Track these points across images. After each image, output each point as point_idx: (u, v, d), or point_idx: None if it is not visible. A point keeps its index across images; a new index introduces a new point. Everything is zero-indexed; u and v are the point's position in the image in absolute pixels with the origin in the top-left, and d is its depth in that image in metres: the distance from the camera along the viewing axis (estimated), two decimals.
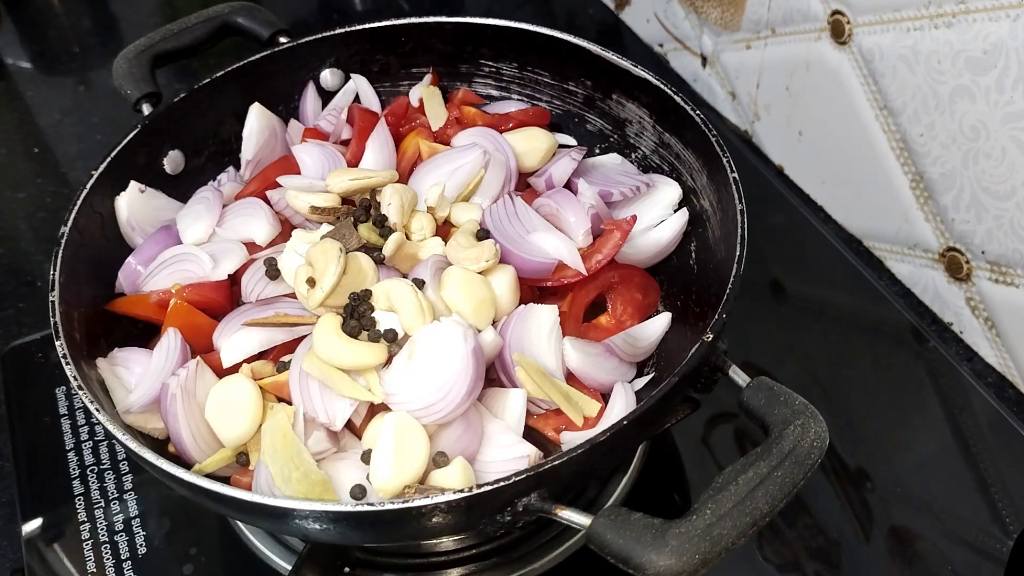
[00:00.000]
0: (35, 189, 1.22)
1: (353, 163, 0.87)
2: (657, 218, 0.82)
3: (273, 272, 0.75)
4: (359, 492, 0.64)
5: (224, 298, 0.76)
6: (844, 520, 0.82)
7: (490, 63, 0.93)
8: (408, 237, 0.77)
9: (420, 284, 0.71)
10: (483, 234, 0.77)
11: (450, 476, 0.63)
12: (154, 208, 0.83)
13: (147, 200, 0.83)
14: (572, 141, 0.91)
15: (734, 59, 1.16)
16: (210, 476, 0.61)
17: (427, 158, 0.85)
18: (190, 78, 1.29)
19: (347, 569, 0.78)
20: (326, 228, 0.77)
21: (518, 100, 0.93)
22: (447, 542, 0.79)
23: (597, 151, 0.91)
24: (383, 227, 0.76)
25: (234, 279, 0.77)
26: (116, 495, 0.85)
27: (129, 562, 0.81)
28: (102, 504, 0.85)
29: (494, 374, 0.72)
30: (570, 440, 0.70)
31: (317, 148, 0.87)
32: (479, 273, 0.72)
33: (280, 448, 0.65)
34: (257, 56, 0.89)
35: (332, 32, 0.91)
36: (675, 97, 0.80)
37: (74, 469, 0.87)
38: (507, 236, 0.76)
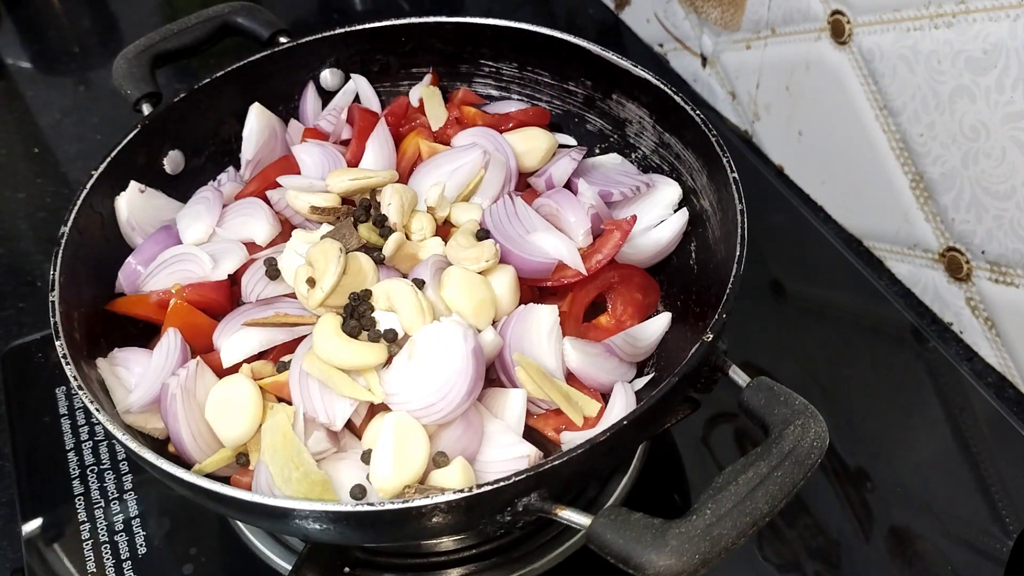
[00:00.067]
0: (35, 189, 1.22)
1: (353, 163, 0.87)
2: (657, 218, 0.82)
3: (273, 272, 0.75)
4: (359, 492, 0.64)
5: (224, 298, 0.76)
6: (844, 520, 0.82)
7: (490, 63, 0.93)
8: (408, 237, 0.77)
9: (420, 284, 0.71)
10: (483, 234, 0.77)
11: (450, 476, 0.63)
12: (154, 208, 0.83)
13: (147, 200, 0.83)
14: (572, 141, 0.91)
15: (734, 59, 1.16)
16: (210, 476, 0.61)
17: (427, 158, 0.85)
18: (190, 78, 1.29)
19: (347, 569, 0.78)
20: (326, 228, 0.77)
21: (518, 100, 0.93)
22: (447, 542, 0.79)
23: (597, 151, 0.91)
24: (383, 227, 0.76)
25: (234, 279, 0.77)
26: (116, 495, 0.85)
27: (129, 562, 0.81)
28: (102, 504, 0.85)
29: (494, 374, 0.72)
30: (570, 440, 0.70)
31: (317, 148, 0.87)
32: (479, 273, 0.72)
33: (280, 448, 0.65)
34: (257, 56, 0.89)
35: (332, 32, 0.91)
36: (675, 97, 0.80)
37: (74, 469, 0.87)
38: (507, 236, 0.76)
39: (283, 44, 0.91)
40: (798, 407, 0.58)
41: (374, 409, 0.68)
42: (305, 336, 0.71)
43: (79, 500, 0.85)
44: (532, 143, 0.86)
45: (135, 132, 0.82)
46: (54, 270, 0.71)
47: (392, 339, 0.68)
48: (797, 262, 1.04)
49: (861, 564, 0.79)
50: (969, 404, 0.88)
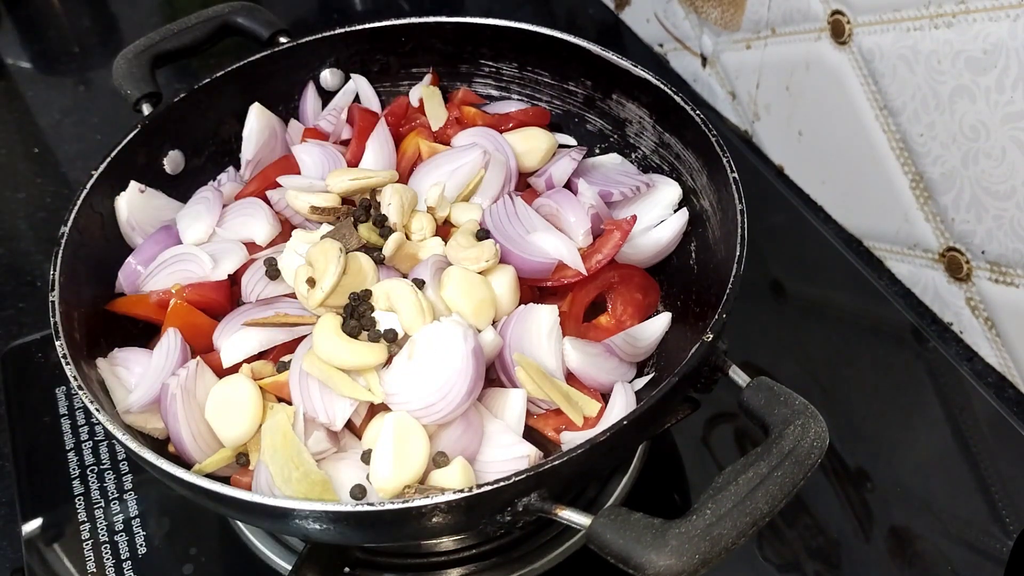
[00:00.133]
0: (35, 189, 1.22)
1: (353, 163, 0.87)
2: (657, 218, 0.82)
3: (273, 272, 0.75)
4: (359, 492, 0.64)
5: (224, 298, 0.76)
6: (844, 520, 0.82)
7: (490, 63, 0.93)
8: (408, 237, 0.77)
9: (420, 284, 0.71)
10: (483, 234, 0.77)
11: (450, 476, 0.63)
12: (154, 208, 0.83)
13: (147, 200, 0.83)
14: (572, 141, 0.91)
15: (734, 59, 1.16)
16: (210, 476, 0.61)
17: (427, 158, 0.85)
18: (190, 78, 1.29)
19: (347, 569, 0.78)
20: (326, 228, 0.77)
21: (518, 100, 0.93)
22: (447, 542, 0.79)
23: (597, 151, 0.91)
24: (383, 227, 0.76)
25: (234, 279, 0.77)
26: (116, 495, 0.85)
27: (129, 562, 0.81)
28: (102, 504, 0.85)
29: (494, 374, 0.72)
30: (570, 440, 0.70)
31: (317, 148, 0.87)
32: (479, 273, 0.72)
33: (280, 448, 0.65)
34: (257, 56, 0.89)
35: (332, 32, 0.91)
36: (675, 97, 0.80)
37: (74, 469, 0.87)
38: (507, 236, 0.76)
39: (283, 44, 0.91)
40: (798, 407, 0.58)
41: (374, 409, 0.68)
42: (305, 336, 0.71)
43: (79, 500, 0.85)
44: (532, 143, 0.86)
45: (135, 132, 0.82)
46: (54, 270, 0.71)
47: (392, 339, 0.68)
48: (797, 262, 1.04)
49: (861, 564, 0.79)
50: (969, 404, 0.88)
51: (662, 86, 0.81)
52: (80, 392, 0.64)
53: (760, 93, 1.14)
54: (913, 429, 0.87)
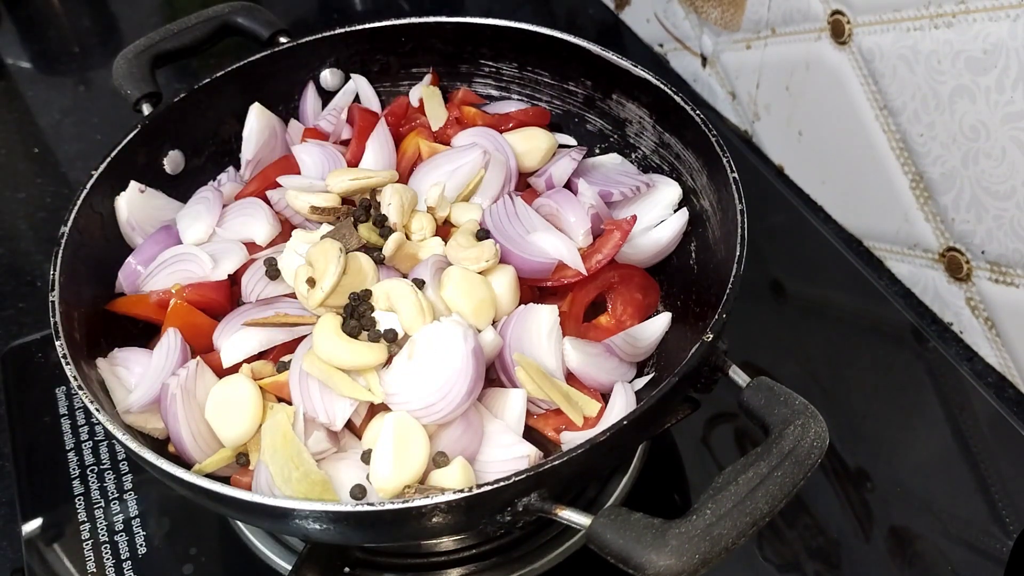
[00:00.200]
0: (35, 189, 1.22)
1: (353, 163, 0.87)
2: (657, 218, 0.82)
3: (273, 272, 0.75)
4: (359, 492, 0.64)
5: (224, 298, 0.76)
6: (844, 520, 0.82)
7: (490, 63, 0.93)
8: (408, 237, 0.77)
9: (420, 284, 0.71)
10: (483, 234, 0.77)
11: (450, 476, 0.63)
12: (154, 208, 0.83)
13: (147, 200, 0.83)
14: (572, 141, 0.91)
15: (734, 59, 1.16)
16: (210, 476, 0.61)
17: (427, 158, 0.85)
18: (190, 78, 1.29)
19: (347, 569, 0.78)
20: (326, 228, 0.77)
21: (518, 100, 0.93)
22: (447, 542, 0.79)
23: (597, 151, 0.91)
24: (383, 227, 0.76)
25: (234, 279, 0.77)
26: (116, 495, 0.85)
27: (129, 562, 0.81)
28: (102, 504, 0.85)
29: (494, 374, 0.72)
30: (570, 440, 0.70)
31: (317, 148, 0.87)
32: (479, 273, 0.72)
33: (280, 448, 0.65)
34: (257, 56, 0.89)
35: (332, 32, 0.91)
36: (675, 97, 0.80)
37: (74, 469, 0.87)
38: (507, 236, 0.76)
39: (283, 44, 0.91)
40: (798, 407, 0.58)
41: (374, 409, 0.68)
42: (305, 336, 0.71)
43: (79, 500, 0.85)
44: (532, 143, 0.86)
45: (135, 132, 0.82)
46: (54, 270, 0.71)
47: (392, 339, 0.68)
48: (797, 262, 1.04)
49: (861, 564, 0.79)
50: (969, 404, 0.88)
51: (662, 86, 0.81)
52: (80, 392, 0.64)
53: (760, 93, 1.14)
54: (913, 429, 0.87)
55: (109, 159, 0.79)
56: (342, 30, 0.91)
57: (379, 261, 0.74)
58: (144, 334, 0.78)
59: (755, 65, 1.12)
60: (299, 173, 0.86)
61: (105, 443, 0.89)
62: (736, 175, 0.73)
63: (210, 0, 0.97)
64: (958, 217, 0.91)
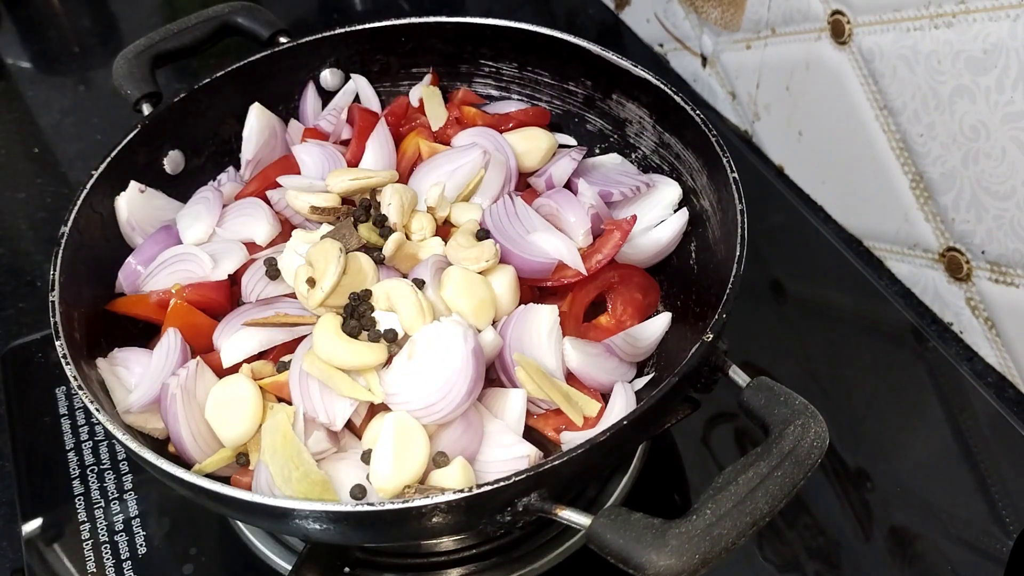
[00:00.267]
0: (35, 189, 1.22)
1: (353, 163, 0.87)
2: (657, 218, 0.82)
3: (273, 272, 0.75)
4: (359, 492, 0.64)
5: (224, 298, 0.76)
6: (844, 520, 0.82)
7: (490, 63, 0.93)
8: (408, 237, 0.77)
9: (420, 284, 0.71)
10: (483, 234, 0.77)
11: (450, 476, 0.63)
12: (154, 208, 0.83)
13: (147, 200, 0.83)
14: (572, 141, 0.91)
15: (734, 59, 1.16)
16: (210, 476, 0.61)
17: (427, 158, 0.85)
18: (190, 78, 1.29)
19: (347, 569, 0.78)
20: (326, 228, 0.77)
21: (518, 100, 0.93)
22: (447, 542, 0.79)
23: (597, 151, 0.91)
24: (383, 227, 0.76)
25: (234, 279, 0.77)
26: (116, 495, 0.85)
27: (129, 562, 0.81)
28: (102, 504, 0.85)
29: (494, 374, 0.72)
30: (570, 440, 0.70)
31: (317, 148, 0.87)
32: (479, 273, 0.72)
33: (280, 448, 0.65)
34: (257, 56, 0.89)
35: (332, 32, 0.91)
36: (675, 97, 0.80)
37: (74, 469, 0.87)
38: (507, 236, 0.76)
39: (283, 44, 0.91)
40: (798, 407, 0.58)
41: (374, 409, 0.68)
42: (305, 336, 0.71)
43: (79, 500, 0.85)
44: (532, 143, 0.86)
45: (135, 132, 0.82)
46: (54, 270, 0.71)
47: (392, 339, 0.68)
48: (797, 262, 1.04)
49: (861, 564, 0.79)
50: (969, 404, 0.88)
51: (662, 86, 0.81)
52: (80, 392, 0.64)
53: (760, 93, 1.14)
54: (913, 429, 0.87)
55: (109, 159, 0.79)
56: (342, 30, 0.91)
57: (379, 261, 0.74)
58: (144, 334, 0.78)
59: (755, 65, 1.12)
60: (299, 173, 0.86)
61: (105, 443, 0.89)
62: (736, 175, 0.73)
63: (210, 0, 0.97)
64: (958, 217, 0.91)
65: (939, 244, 0.95)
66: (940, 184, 0.92)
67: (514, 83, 0.93)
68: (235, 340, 0.71)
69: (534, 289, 0.77)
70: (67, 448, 0.89)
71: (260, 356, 0.72)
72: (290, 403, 0.68)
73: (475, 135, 0.86)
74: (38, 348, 0.98)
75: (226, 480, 0.65)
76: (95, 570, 0.80)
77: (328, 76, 0.94)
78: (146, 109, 0.85)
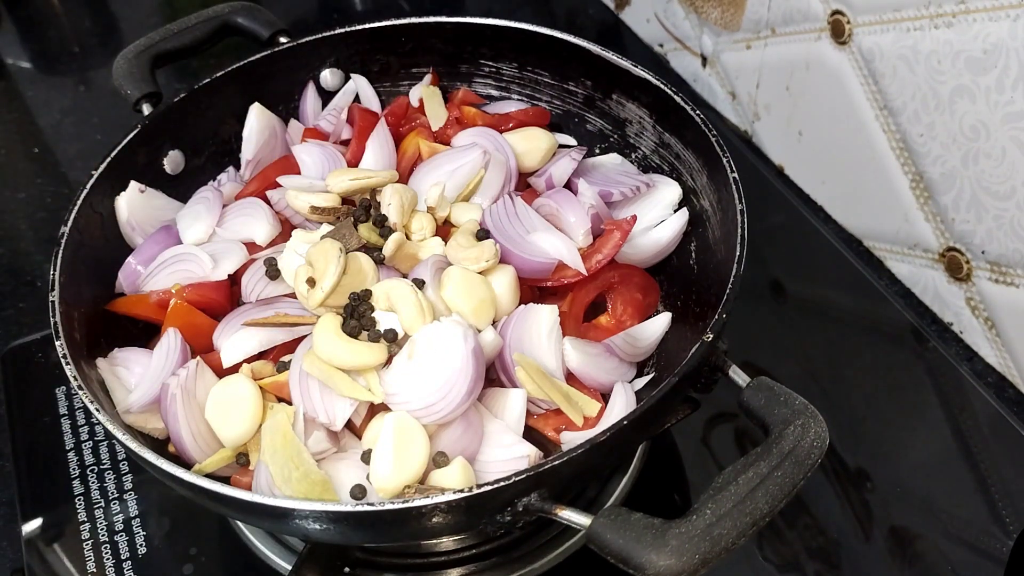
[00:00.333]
0: (35, 189, 1.22)
1: (353, 163, 0.87)
2: (657, 218, 0.82)
3: (273, 272, 0.75)
4: (359, 492, 0.64)
5: (224, 298, 0.76)
6: (844, 520, 0.82)
7: (490, 63, 0.93)
8: (408, 237, 0.77)
9: (420, 284, 0.71)
10: (483, 234, 0.77)
11: (450, 476, 0.63)
12: (154, 208, 0.83)
13: (147, 200, 0.83)
14: (572, 141, 0.91)
15: (734, 59, 1.16)
16: (210, 476, 0.61)
17: (427, 158, 0.85)
18: (190, 78, 1.29)
19: (347, 569, 0.78)
20: (326, 228, 0.77)
21: (518, 100, 0.93)
22: (447, 542, 0.79)
23: (597, 151, 0.91)
24: (383, 227, 0.76)
25: (234, 279, 0.77)
26: (116, 495, 0.85)
27: (129, 562, 0.81)
28: (102, 504, 0.85)
29: (494, 374, 0.72)
30: (570, 440, 0.70)
31: (317, 148, 0.87)
32: (479, 273, 0.72)
33: (280, 448, 0.65)
34: (257, 56, 0.89)
35: (332, 32, 0.91)
36: (675, 97, 0.80)
37: (74, 469, 0.87)
38: (507, 236, 0.76)
39: (283, 44, 0.91)
40: (798, 407, 0.58)
41: (374, 409, 0.68)
42: (305, 336, 0.71)
43: (79, 500, 0.85)
44: (532, 143, 0.86)
45: (135, 132, 0.82)
46: (54, 270, 0.71)
47: (392, 339, 0.68)
48: (797, 262, 1.04)
49: (861, 564, 0.79)
50: (969, 404, 0.88)
51: (662, 86, 0.81)
52: (80, 392, 0.64)
53: (760, 93, 1.14)
54: (913, 429, 0.87)
55: (109, 159, 0.79)
56: (342, 30, 0.91)
57: (379, 261, 0.74)
58: (144, 334, 0.78)
59: (755, 65, 1.12)
60: (299, 173, 0.86)
61: (105, 443, 0.89)
62: (736, 175, 0.73)
63: (210, 0, 0.97)
64: (958, 217, 0.91)
65: (939, 244, 0.95)
66: (940, 184, 0.92)
67: (514, 83, 0.93)
68: (235, 340, 0.71)
69: (534, 289, 0.77)
70: (67, 448, 0.89)
71: (260, 356, 0.72)
72: (290, 403, 0.68)
73: (475, 135, 0.86)
74: (38, 348, 0.98)
75: (226, 480, 0.65)
76: (95, 570, 0.80)
77: (328, 76, 0.94)
78: (146, 109, 0.85)
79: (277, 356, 0.72)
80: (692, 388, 0.66)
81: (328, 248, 0.70)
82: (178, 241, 0.81)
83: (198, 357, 0.71)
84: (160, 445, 0.71)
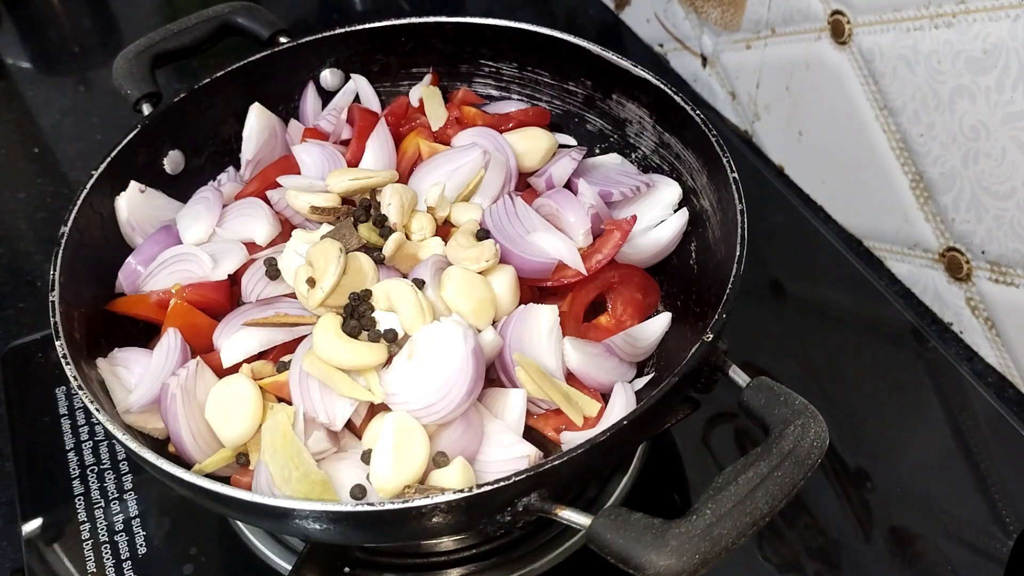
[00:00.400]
0: (35, 189, 1.22)
1: (353, 163, 0.87)
2: (657, 218, 0.82)
3: (273, 272, 0.75)
4: (359, 492, 0.64)
5: (224, 298, 0.76)
6: (844, 520, 0.82)
7: (490, 63, 0.93)
8: (408, 237, 0.77)
9: (420, 284, 0.71)
10: (483, 234, 0.77)
11: (450, 476, 0.63)
12: (154, 208, 0.83)
13: (147, 200, 0.83)
14: (572, 141, 0.91)
15: (734, 59, 1.16)
16: (210, 476, 0.61)
17: (427, 158, 0.85)
18: (190, 78, 1.29)
19: (347, 569, 0.78)
20: (326, 228, 0.77)
21: (518, 100, 0.93)
22: (447, 542, 0.79)
23: (597, 151, 0.91)
24: (383, 227, 0.76)
25: (234, 279, 0.77)
26: (116, 495, 0.85)
27: (129, 562, 0.81)
28: (102, 504, 0.85)
29: (494, 374, 0.72)
30: (570, 440, 0.70)
31: (317, 148, 0.87)
32: (479, 273, 0.72)
33: (280, 448, 0.65)
34: (257, 56, 0.89)
35: (332, 32, 0.91)
36: (675, 97, 0.80)
37: (74, 469, 0.87)
38: (507, 236, 0.76)
39: (283, 44, 0.91)
40: (798, 407, 0.58)
41: (374, 409, 0.68)
42: (305, 336, 0.71)
43: (79, 500, 0.85)
44: (532, 143, 0.86)
45: (135, 132, 0.82)
46: (54, 270, 0.71)
47: (392, 339, 0.68)
48: (797, 262, 1.04)
49: (861, 564, 0.79)
50: (969, 404, 0.88)
51: (662, 86, 0.81)
52: (80, 392, 0.64)
53: (760, 93, 1.14)
54: (913, 429, 0.87)
55: (109, 159, 0.79)
56: (342, 30, 0.91)
57: (379, 261, 0.74)
58: (144, 334, 0.78)
59: (755, 65, 1.12)
60: (299, 173, 0.86)
61: (105, 443, 0.89)
62: (736, 175, 0.73)
63: (210, 0, 0.97)
64: (958, 217, 0.91)
65: (939, 244, 0.95)
66: (940, 184, 0.92)
67: (514, 83, 0.93)
68: (235, 340, 0.71)
69: (534, 289, 0.77)
70: (67, 448, 0.89)
71: (260, 356, 0.71)
72: (290, 403, 0.68)
73: (475, 135, 0.86)
74: (38, 348, 0.98)
75: (226, 480, 0.65)
76: (95, 570, 0.80)
77: (328, 76, 0.94)
78: (146, 109, 0.85)
79: (277, 356, 0.72)
80: (692, 388, 0.66)
81: (328, 248, 0.70)
82: (178, 241, 0.81)
83: (198, 357, 0.71)
84: (160, 445, 0.71)
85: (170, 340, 0.72)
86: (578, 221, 0.77)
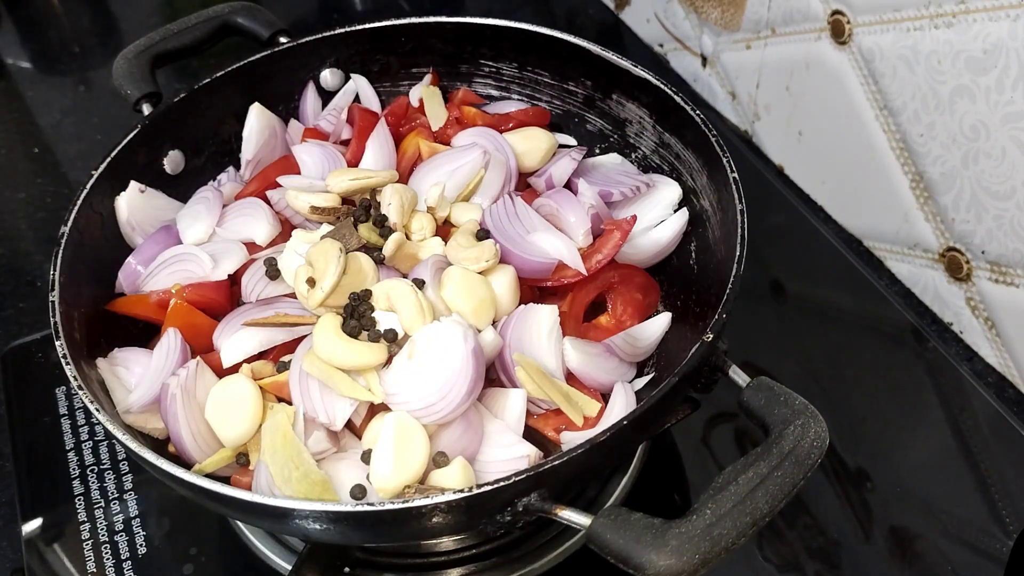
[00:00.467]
0: (35, 189, 1.22)
1: (353, 163, 0.87)
2: (657, 218, 0.82)
3: (273, 272, 0.75)
4: (359, 492, 0.64)
5: (224, 298, 0.76)
6: (844, 520, 0.82)
7: (490, 63, 0.93)
8: (408, 237, 0.77)
9: (420, 284, 0.71)
10: (483, 234, 0.77)
11: (450, 476, 0.63)
12: (154, 208, 0.83)
13: (147, 200, 0.83)
14: (572, 141, 0.91)
15: (734, 59, 1.16)
16: (210, 476, 0.61)
17: (427, 158, 0.85)
18: (190, 78, 1.29)
19: (347, 569, 0.78)
20: (326, 228, 0.77)
21: (518, 100, 0.93)
22: (447, 542, 0.79)
23: (597, 151, 0.91)
24: (383, 227, 0.76)
25: (234, 279, 0.77)
26: (116, 495, 0.85)
27: (129, 562, 0.81)
28: (102, 504, 0.85)
29: (494, 374, 0.72)
30: (570, 440, 0.70)
31: (317, 148, 0.87)
32: (479, 273, 0.72)
33: (280, 448, 0.65)
34: (257, 56, 0.89)
35: (332, 32, 0.91)
36: (675, 97, 0.80)
37: (74, 469, 0.87)
38: (507, 236, 0.76)
39: (283, 44, 0.91)
40: (798, 407, 0.58)
41: (374, 409, 0.68)
42: (305, 336, 0.71)
43: (79, 500, 0.85)
44: (532, 143, 0.86)
45: (135, 132, 0.82)
46: (54, 270, 0.71)
47: (392, 339, 0.68)
48: (797, 262, 1.04)
49: (861, 564, 0.79)
50: (969, 404, 0.88)
51: (662, 86, 0.81)
52: (80, 392, 0.64)
53: (760, 93, 1.14)
54: (913, 429, 0.87)
55: (109, 159, 0.79)
56: (342, 30, 0.91)
57: (379, 261, 0.74)
58: (144, 334, 0.78)
59: (755, 65, 1.12)
60: (299, 173, 0.86)
61: (105, 443, 0.89)
62: (736, 175, 0.73)
63: (210, 0, 0.97)
64: (958, 217, 0.91)
65: (939, 244, 0.95)
66: (940, 184, 0.92)
67: (514, 83, 0.93)
68: (235, 340, 0.71)
69: (534, 289, 0.77)
70: (67, 448, 0.89)
71: (260, 356, 0.71)
72: (290, 403, 0.68)
73: (475, 135, 0.86)
74: (38, 348, 0.98)
75: (226, 480, 0.65)
76: (95, 570, 0.80)
77: (328, 76, 0.94)
78: (146, 109, 0.85)
79: (277, 356, 0.72)
80: (692, 388, 0.66)
81: (328, 248, 0.70)
82: (178, 241, 0.81)
83: (198, 357, 0.71)
84: (160, 445, 0.71)
85: (170, 340, 0.72)
86: (578, 221, 0.77)
